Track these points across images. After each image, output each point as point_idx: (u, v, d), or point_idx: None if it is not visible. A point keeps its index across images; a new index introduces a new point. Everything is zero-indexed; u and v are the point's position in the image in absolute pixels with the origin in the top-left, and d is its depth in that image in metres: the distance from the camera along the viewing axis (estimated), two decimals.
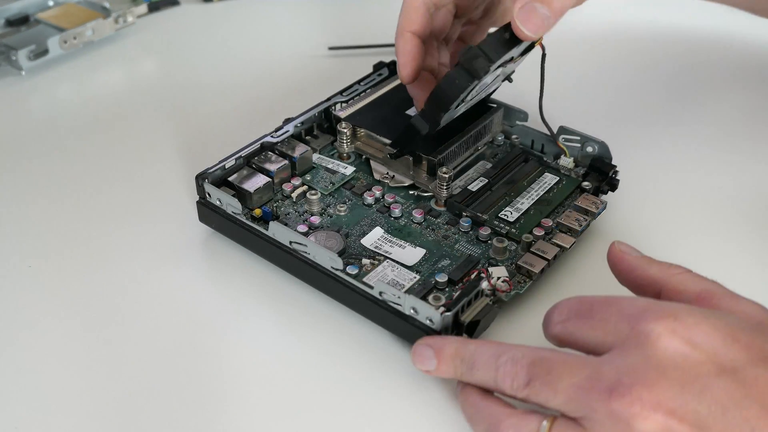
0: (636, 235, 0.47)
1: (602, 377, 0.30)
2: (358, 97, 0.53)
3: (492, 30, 0.46)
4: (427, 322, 0.38)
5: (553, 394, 0.31)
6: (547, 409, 0.32)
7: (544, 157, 0.50)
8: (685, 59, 0.64)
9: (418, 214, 0.46)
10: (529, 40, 0.40)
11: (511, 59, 0.43)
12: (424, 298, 0.40)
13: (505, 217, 0.45)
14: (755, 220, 0.48)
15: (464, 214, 0.45)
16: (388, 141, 0.49)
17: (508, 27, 0.41)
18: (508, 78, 0.48)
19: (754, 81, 0.62)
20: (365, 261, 0.43)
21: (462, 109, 0.46)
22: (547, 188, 0.47)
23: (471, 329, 0.38)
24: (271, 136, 0.49)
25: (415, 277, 0.42)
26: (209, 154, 0.49)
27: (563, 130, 0.49)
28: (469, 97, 0.44)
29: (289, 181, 0.48)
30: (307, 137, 0.51)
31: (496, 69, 0.42)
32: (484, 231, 0.44)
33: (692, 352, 0.29)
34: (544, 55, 0.45)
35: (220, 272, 0.45)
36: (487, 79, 0.43)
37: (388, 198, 0.47)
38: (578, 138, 0.49)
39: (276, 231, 0.43)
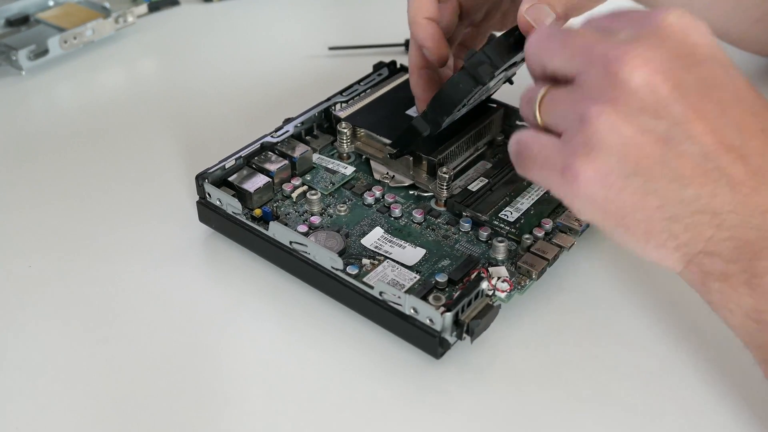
0: None
1: (610, 40, 0.33)
2: (358, 97, 0.53)
3: (495, 33, 0.46)
4: (428, 322, 0.38)
5: (561, 47, 0.34)
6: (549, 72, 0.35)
7: None
8: None
9: (418, 214, 0.46)
10: None
11: (514, 63, 0.43)
12: (424, 298, 0.40)
13: (505, 217, 0.45)
14: None
15: (464, 214, 0.45)
16: (388, 141, 0.49)
17: (512, 32, 0.41)
18: (509, 80, 0.48)
19: (755, 81, 0.62)
20: (365, 261, 0.43)
21: (463, 111, 0.46)
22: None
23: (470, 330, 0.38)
24: (271, 136, 0.49)
25: (415, 277, 0.42)
26: (209, 154, 0.49)
27: None
28: (471, 101, 0.44)
29: (290, 181, 0.48)
30: (307, 137, 0.51)
31: (500, 73, 0.42)
32: (484, 231, 0.44)
33: (692, 36, 0.32)
34: None
35: (220, 272, 0.45)
36: (490, 83, 0.43)
37: (388, 198, 0.47)
38: None
39: (276, 231, 0.43)
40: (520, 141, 0.36)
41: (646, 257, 0.34)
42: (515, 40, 0.41)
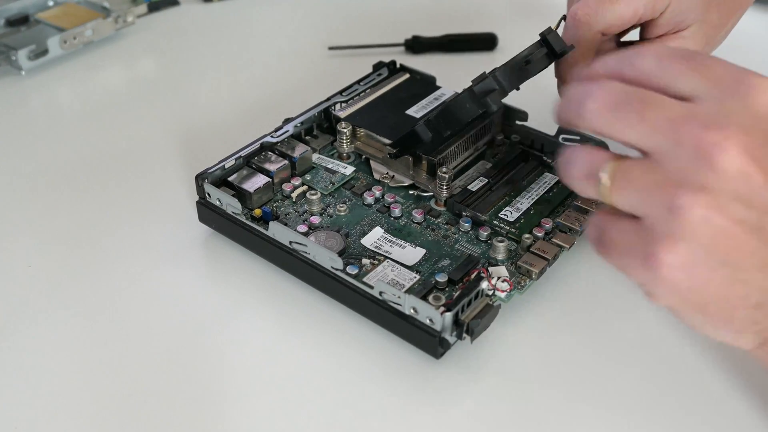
0: None
1: (698, 115, 0.29)
2: (357, 97, 0.53)
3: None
4: (428, 322, 0.38)
5: (638, 121, 0.30)
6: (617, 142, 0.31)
7: (544, 157, 0.50)
8: None
9: (418, 214, 0.46)
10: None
11: None
12: (424, 297, 0.40)
13: (505, 217, 0.45)
14: None
15: (464, 213, 0.45)
16: (387, 141, 0.49)
17: (525, 55, 0.41)
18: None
19: None
20: (365, 261, 0.43)
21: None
22: (547, 188, 0.47)
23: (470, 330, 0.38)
24: (271, 136, 0.49)
25: (415, 277, 0.42)
26: (209, 154, 0.49)
27: (563, 129, 0.49)
28: None
29: (289, 181, 0.48)
30: (307, 137, 0.51)
31: None
32: (484, 231, 0.44)
33: None
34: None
35: (220, 272, 0.45)
36: None
37: (388, 198, 0.47)
38: (578, 138, 0.49)
39: (276, 231, 0.43)
40: (598, 226, 0.33)
41: (717, 339, 0.33)
42: (527, 63, 0.41)
